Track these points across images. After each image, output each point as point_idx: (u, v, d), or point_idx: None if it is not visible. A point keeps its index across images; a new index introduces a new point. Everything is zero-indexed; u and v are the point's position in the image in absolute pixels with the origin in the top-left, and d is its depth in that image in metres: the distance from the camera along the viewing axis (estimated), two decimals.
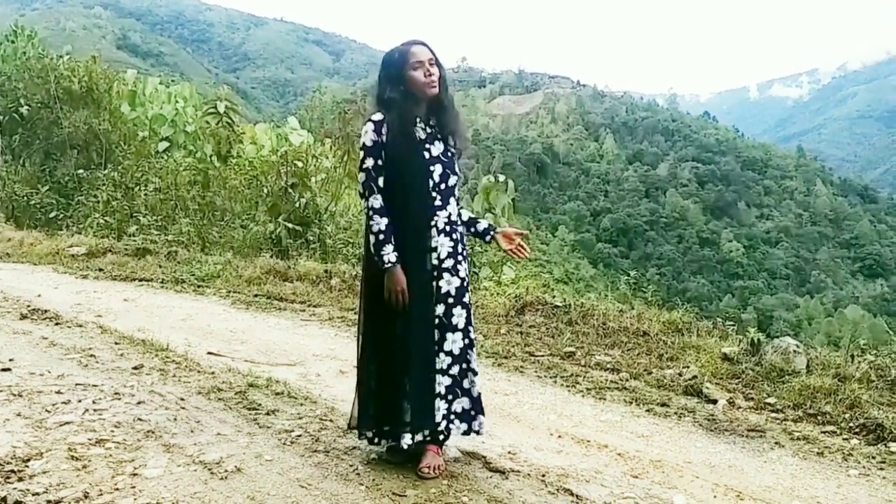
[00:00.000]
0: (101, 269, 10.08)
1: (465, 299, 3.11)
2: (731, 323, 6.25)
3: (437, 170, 3.07)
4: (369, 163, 3.02)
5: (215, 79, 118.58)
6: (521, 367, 5.35)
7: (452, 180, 3.12)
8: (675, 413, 4.33)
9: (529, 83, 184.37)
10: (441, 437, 3.12)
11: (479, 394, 3.17)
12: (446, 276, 3.06)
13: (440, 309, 3.05)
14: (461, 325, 3.08)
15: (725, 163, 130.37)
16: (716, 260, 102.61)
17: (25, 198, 16.82)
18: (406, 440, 3.03)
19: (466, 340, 3.11)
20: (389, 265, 2.98)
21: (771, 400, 4.54)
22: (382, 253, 2.98)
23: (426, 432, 3.06)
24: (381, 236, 2.99)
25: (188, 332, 6.16)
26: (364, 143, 3.03)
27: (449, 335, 3.06)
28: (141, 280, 9.30)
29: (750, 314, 59.60)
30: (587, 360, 5.51)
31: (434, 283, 3.06)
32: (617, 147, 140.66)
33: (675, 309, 6.71)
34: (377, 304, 3.07)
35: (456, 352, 3.08)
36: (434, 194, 3.07)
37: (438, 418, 3.04)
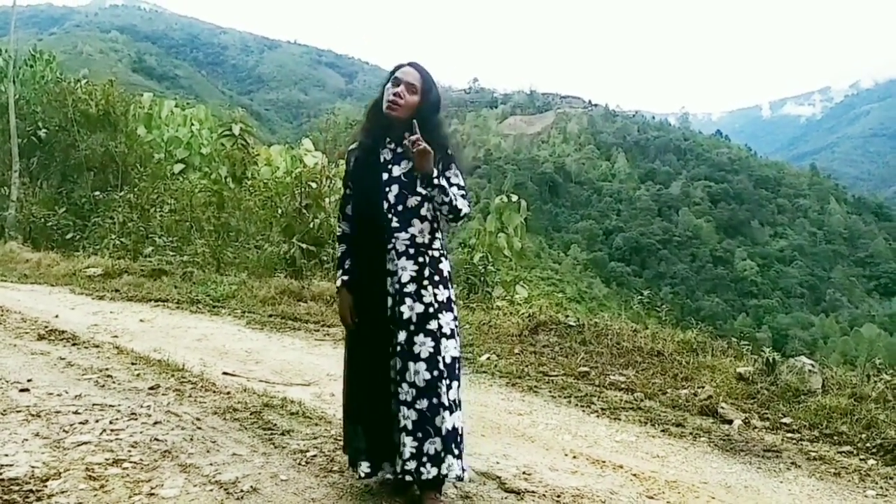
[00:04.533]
0: (117, 290, 10.16)
1: (431, 327, 2.90)
2: (746, 342, 6.22)
3: (394, 190, 2.95)
4: (343, 192, 3.19)
5: (230, 101, 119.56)
6: (535, 386, 5.34)
7: (413, 201, 2.95)
8: (691, 433, 4.31)
9: (541, 103, 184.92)
10: (409, 477, 2.84)
11: (453, 430, 2.87)
12: (408, 301, 2.91)
13: (401, 336, 2.89)
14: (425, 355, 2.87)
15: (738, 181, 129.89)
16: (730, 279, 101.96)
17: (43, 219, 17.03)
18: (363, 468, 2.94)
19: (436, 372, 2.86)
20: (336, 288, 3.10)
21: (787, 420, 4.52)
22: (337, 273, 3.10)
23: (397, 470, 2.87)
24: (338, 261, 3.11)
25: (204, 353, 6.20)
26: (344, 172, 3.21)
27: (411, 365, 2.86)
28: (157, 300, 9.36)
29: (765, 333, 59.15)
30: (601, 379, 5.50)
31: (396, 309, 2.92)
32: (629, 166, 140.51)
33: (689, 328, 6.69)
34: (348, 331, 3.09)
35: (420, 383, 2.85)
36: (390, 216, 2.93)
37: (406, 455, 2.82)
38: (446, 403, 2.88)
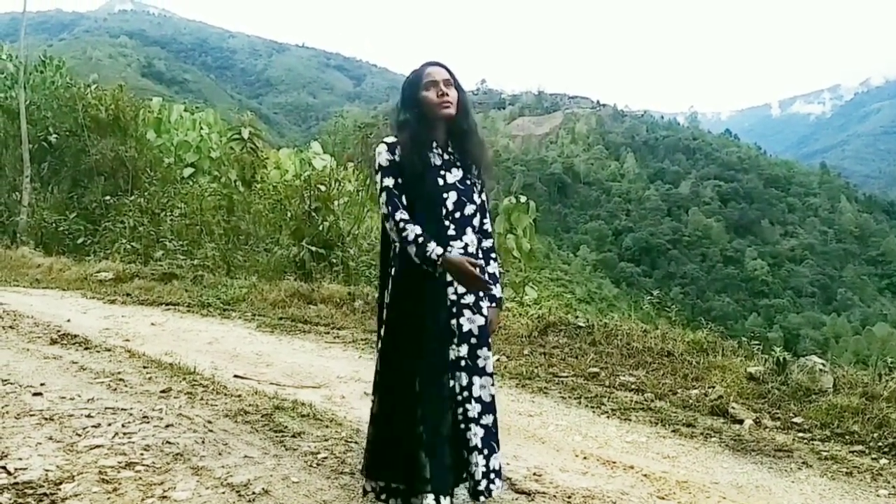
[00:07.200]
0: (128, 294, 10.21)
1: (490, 340, 2.83)
2: (757, 342, 6.20)
3: (452, 197, 2.79)
4: (389, 182, 2.76)
5: (238, 105, 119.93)
6: (545, 388, 5.34)
7: (469, 209, 2.83)
8: (701, 433, 4.31)
9: (549, 104, 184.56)
10: (483, 497, 2.73)
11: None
12: (467, 313, 2.77)
13: (463, 350, 2.74)
14: (489, 369, 2.78)
15: (748, 181, 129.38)
16: (740, 278, 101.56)
17: (54, 224, 17.13)
18: (429, 500, 2.60)
19: (495, 387, 2.81)
20: (441, 258, 2.65)
21: (798, 419, 4.51)
22: (427, 251, 2.65)
23: (469, 492, 2.73)
24: (420, 238, 2.66)
25: (215, 356, 6.23)
26: (380, 164, 2.80)
27: (476, 379, 2.75)
28: (168, 304, 9.41)
29: (776, 333, 58.90)
30: (611, 380, 5.50)
31: (455, 321, 2.76)
32: (638, 166, 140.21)
33: (699, 328, 6.67)
34: (392, 341, 2.77)
35: (486, 398, 2.76)
36: (447, 223, 2.77)
37: (478, 476, 2.69)
38: (498, 417, 2.85)
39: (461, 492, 2.77)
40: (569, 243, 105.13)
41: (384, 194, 2.76)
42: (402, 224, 2.69)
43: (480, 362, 2.77)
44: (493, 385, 2.80)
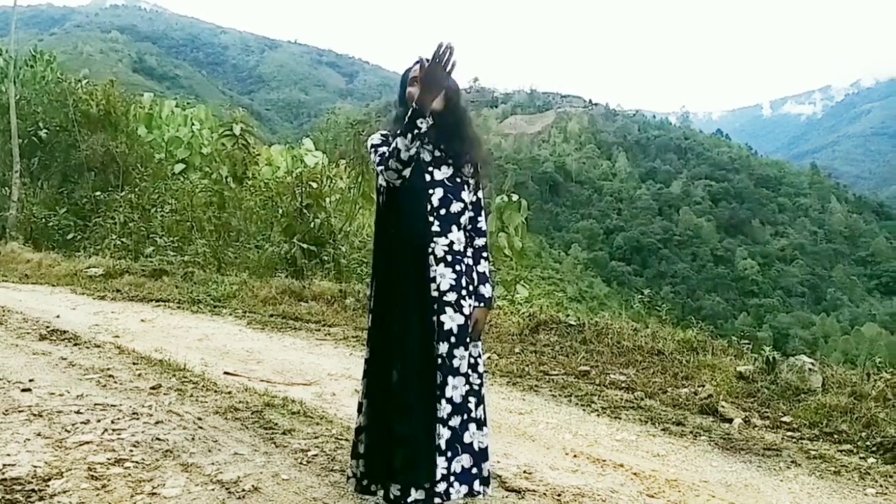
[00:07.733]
0: (118, 290, 10.18)
1: (468, 340, 2.79)
2: (747, 341, 6.22)
3: (438, 194, 2.79)
4: (383, 148, 2.81)
5: (230, 101, 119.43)
6: (536, 385, 5.35)
7: (455, 207, 2.81)
8: (691, 432, 4.32)
9: (541, 102, 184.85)
10: (439, 500, 2.68)
11: (483, 448, 2.82)
12: (448, 311, 2.74)
13: (443, 348, 2.71)
14: (463, 369, 2.75)
15: (739, 180, 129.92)
16: (730, 278, 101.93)
17: (44, 220, 17.04)
18: (393, 491, 2.68)
19: (467, 387, 2.77)
20: (415, 104, 2.63)
21: (787, 419, 4.53)
22: (408, 122, 2.62)
23: (423, 491, 2.67)
24: (400, 131, 2.66)
25: (205, 352, 6.21)
26: (373, 143, 2.87)
27: (450, 379, 2.71)
28: (158, 301, 9.37)
29: (765, 332, 59.14)
30: (602, 378, 5.51)
31: (436, 318, 2.74)
32: (629, 165, 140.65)
33: (689, 327, 6.70)
34: (378, 335, 2.82)
35: (457, 399, 2.72)
36: (431, 219, 2.77)
37: (437, 477, 2.65)
38: (477, 418, 2.80)
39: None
40: (560, 242, 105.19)
41: (381, 157, 2.78)
42: (389, 152, 2.69)
43: (455, 362, 2.73)
44: (465, 385, 2.76)
